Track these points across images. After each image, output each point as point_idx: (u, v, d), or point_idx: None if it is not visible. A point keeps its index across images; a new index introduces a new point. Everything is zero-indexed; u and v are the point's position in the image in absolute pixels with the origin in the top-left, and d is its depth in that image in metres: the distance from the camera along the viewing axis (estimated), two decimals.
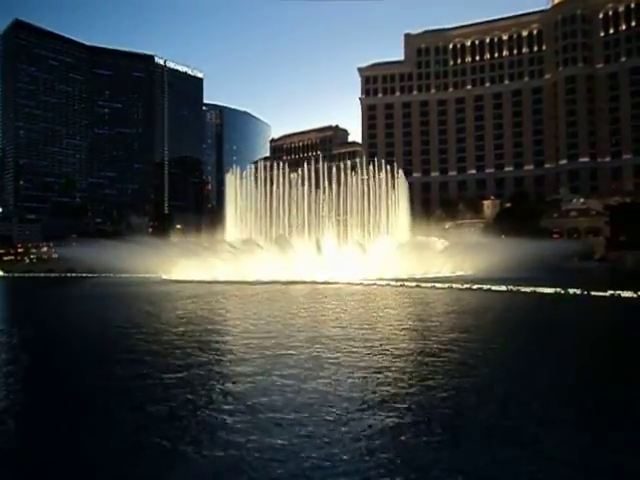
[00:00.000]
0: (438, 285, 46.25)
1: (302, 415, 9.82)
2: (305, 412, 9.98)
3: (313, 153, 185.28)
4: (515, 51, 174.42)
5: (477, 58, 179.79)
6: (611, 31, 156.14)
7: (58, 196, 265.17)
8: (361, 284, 51.65)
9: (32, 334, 23.14)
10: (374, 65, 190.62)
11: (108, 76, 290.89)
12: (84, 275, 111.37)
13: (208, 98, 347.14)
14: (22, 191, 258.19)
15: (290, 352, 16.07)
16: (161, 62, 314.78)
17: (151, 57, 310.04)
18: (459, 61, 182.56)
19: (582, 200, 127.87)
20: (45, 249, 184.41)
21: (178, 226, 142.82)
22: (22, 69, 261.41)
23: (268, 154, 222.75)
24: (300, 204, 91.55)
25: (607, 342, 19.56)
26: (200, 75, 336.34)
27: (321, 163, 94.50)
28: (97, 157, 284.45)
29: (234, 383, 12.58)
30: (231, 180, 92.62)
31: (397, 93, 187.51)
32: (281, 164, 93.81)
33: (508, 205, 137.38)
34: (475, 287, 43.08)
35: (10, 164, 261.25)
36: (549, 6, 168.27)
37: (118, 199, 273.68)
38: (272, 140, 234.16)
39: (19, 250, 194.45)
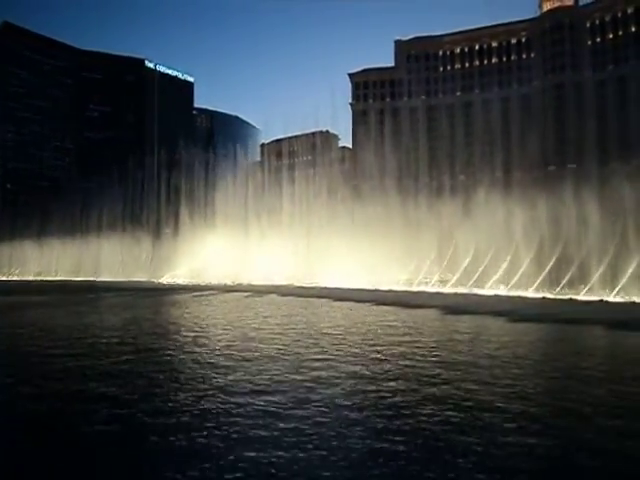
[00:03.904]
0: None
1: None
2: None
3: (304, 158, 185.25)
4: (504, 58, 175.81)
5: (466, 65, 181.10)
6: (598, 39, 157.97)
7: (47, 200, 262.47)
8: None
9: None
10: (364, 71, 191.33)
11: (98, 80, 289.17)
12: None
13: (198, 102, 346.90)
14: (10, 195, 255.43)
15: None
16: (152, 66, 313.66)
17: (142, 61, 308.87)
18: (449, 67, 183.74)
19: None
20: None
21: (167, 230, 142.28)
22: (11, 72, 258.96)
23: (258, 158, 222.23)
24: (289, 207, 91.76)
25: None
26: (191, 79, 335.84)
27: (311, 168, 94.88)
28: (86, 161, 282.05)
29: None
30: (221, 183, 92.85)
31: (387, 99, 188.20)
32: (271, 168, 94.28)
33: None
34: None
35: None
36: (537, 14, 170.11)
37: (107, 203, 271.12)
38: (262, 144, 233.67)
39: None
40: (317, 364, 17.82)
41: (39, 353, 21.49)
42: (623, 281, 44.86)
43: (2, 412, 13.99)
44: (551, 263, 51.35)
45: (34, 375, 17.68)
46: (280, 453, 10.29)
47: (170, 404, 13.58)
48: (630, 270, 45.18)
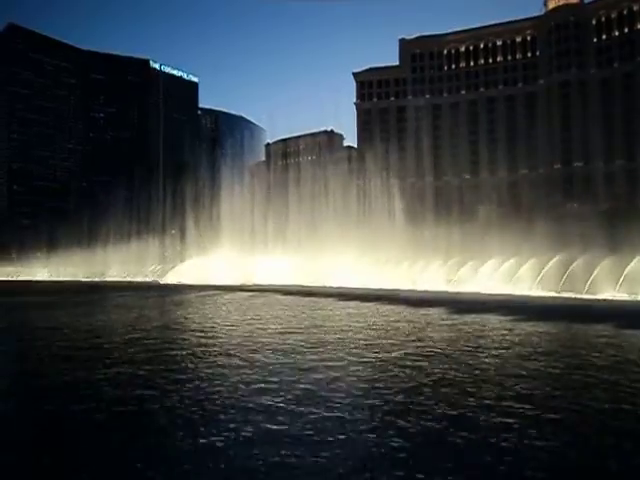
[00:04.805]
0: None
1: None
2: None
3: (309, 157, 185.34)
4: (509, 57, 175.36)
5: (471, 63, 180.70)
6: (604, 37, 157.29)
7: (52, 200, 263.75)
8: None
9: None
10: (369, 70, 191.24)
11: (103, 81, 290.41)
12: None
13: (203, 102, 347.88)
14: (16, 196, 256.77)
15: None
16: (156, 67, 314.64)
17: (146, 62, 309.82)
18: (453, 66, 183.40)
19: (576, 205, 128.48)
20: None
21: (173, 231, 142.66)
22: (16, 73, 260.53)
23: (263, 158, 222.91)
24: (296, 209, 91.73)
25: None
26: (195, 79, 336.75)
27: (317, 167, 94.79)
28: (91, 161, 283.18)
29: None
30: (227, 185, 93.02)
31: (392, 98, 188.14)
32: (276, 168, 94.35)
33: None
34: None
35: (4, 169, 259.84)
36: (543, 12, 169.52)
37: (112, 203, 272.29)
38: (267, 144, 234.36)
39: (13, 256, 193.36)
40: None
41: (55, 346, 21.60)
42: (622, 279, 44.39)
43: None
44: (552, 262, 50.96)
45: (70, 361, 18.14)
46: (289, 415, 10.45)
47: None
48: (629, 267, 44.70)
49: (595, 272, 45.98)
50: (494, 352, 19.39)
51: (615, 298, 42.64)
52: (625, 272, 44.43)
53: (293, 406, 12.23)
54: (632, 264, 44.59)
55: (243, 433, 10.37)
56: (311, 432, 10.31)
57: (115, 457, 9.70)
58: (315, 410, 11.82)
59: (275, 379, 15.11)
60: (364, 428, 10.67)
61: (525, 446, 9.50)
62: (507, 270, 53.63)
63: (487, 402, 12.39)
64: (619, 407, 12.08)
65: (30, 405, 13.67)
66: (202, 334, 25.06)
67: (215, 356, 19.11)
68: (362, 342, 21.86)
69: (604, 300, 41.89)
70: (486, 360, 17.98)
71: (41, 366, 18.44)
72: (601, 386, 14.13)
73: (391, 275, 62.32)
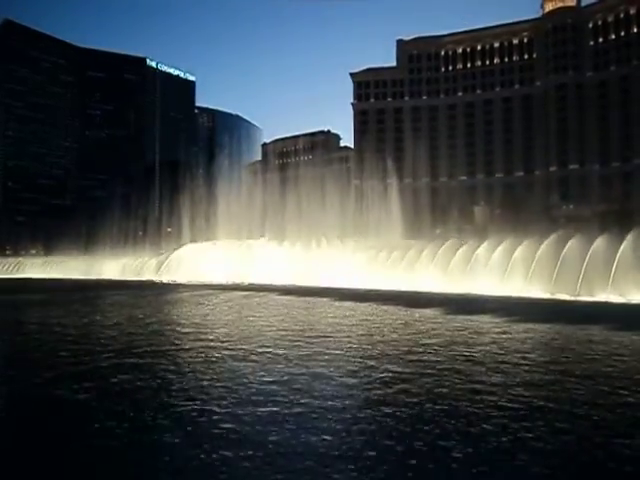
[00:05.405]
0: None
1: None
2: None
3: (305, 157, 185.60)
4: (506, 59, 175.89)
5: (468, 65, 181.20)
6: (600, 40, 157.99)
7: (48, 198, 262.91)
8: None
9: None
10: (366, 70, 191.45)
11: (100, 78, 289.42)
12: None
13: (200, 101, 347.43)
14: (11, 193, 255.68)
15: None
16: (153, 65, 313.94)
17: (143, 60, 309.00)
18: (450, 68, 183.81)
19: (572, 207, 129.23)
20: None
21: (169, 229, 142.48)
22: (12, 70, 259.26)
23: (260, 157, 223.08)
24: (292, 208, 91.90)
25: None
26: (192, 78, 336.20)
27: (313, 167, 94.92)
28: (88, 159, 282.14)
29: None
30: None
31: (389, 99, 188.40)
32: (273, 168, 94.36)
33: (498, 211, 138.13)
34: None
35: None
36: (540, 15, 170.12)
37: (109, 201, 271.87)
38: (264, 144, 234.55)
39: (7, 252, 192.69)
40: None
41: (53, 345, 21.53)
42: (611, 280, 44.31)
43: None
44: (534, 262, 50.96)
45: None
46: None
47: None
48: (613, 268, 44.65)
49: (588, 254, 46.01)
50: (485, 349, 19.47)
51: (609, 300, 42.76)
52: (620, 250, 44.53)
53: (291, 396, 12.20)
54: (625, 241, 44.91)
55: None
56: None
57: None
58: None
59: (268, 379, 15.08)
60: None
61: None
62: (500, 260, 53.59)
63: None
64: None
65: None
66: (194, 333, 25.06)
67: (211, 356, 19.10)
68: (359, 342, 21.90)
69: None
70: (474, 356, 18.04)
71: (25, 363, 18.39)
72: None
73: (388, 274, 62.36)
